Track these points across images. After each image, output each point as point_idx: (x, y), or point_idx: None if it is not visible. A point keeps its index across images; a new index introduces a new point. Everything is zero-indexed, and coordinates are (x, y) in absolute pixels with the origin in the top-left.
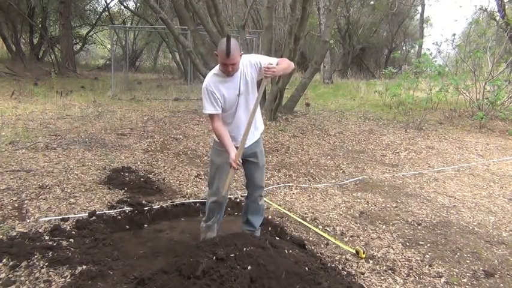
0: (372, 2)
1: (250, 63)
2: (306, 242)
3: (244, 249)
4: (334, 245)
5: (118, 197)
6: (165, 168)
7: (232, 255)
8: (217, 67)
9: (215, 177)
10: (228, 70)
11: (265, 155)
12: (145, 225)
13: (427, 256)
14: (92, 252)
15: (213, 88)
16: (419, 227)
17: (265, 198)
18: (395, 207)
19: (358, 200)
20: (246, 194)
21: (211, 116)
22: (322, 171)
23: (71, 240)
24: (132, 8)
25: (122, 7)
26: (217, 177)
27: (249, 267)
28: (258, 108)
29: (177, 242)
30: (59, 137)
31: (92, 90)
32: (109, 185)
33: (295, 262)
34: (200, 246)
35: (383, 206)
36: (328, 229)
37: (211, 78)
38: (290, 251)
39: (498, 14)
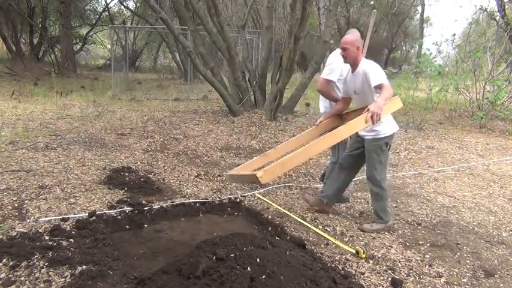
0: (372, 2)
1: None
2: (306, 242)
3: (244, 249)
4: (334, 245)
5: (118, 197)
6: (165, 168)
7: (232, 255)
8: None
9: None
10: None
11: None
12: (145, 225)
13: (427, 256)
14: (92, 252)
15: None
16: (419, 227)
17: (265, 198)
18: (395, 207)
19: (358, 200)
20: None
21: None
22: (322, 171)
23: (71, 240)
24: (132, 8)
25: (122, 7)
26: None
27: (249, 267)
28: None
29: (177, 242)
30: (59, 137)
31: (92, 90)
32: (109, 185)
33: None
34: (200, 246)
35: None
36: (328, 229)
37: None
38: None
39: (498, 14)
